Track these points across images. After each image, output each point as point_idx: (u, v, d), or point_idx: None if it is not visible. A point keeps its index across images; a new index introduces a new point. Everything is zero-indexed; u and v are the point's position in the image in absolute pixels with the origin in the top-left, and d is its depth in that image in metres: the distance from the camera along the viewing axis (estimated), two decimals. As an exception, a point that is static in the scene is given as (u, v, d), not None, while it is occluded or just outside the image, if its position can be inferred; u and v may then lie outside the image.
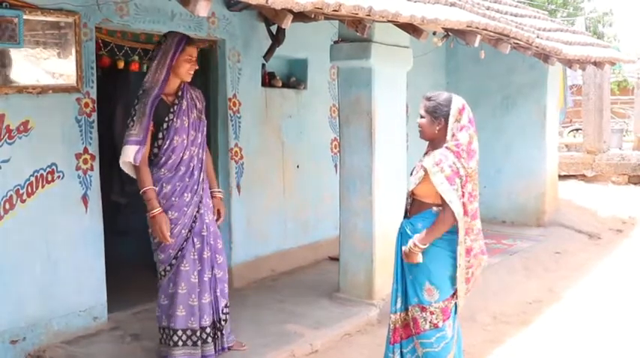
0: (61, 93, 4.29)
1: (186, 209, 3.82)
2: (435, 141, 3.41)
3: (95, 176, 4.53)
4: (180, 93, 3.87)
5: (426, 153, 3.46)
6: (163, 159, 3.79)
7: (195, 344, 3.86)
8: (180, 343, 3.83)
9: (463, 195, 3.28)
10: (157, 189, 3.77)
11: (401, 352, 3.53)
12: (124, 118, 6.11)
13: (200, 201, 3.89)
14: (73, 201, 4.39)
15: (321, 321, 4.75)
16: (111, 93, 6.08)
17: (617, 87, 20.34)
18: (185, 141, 3.82)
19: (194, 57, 3.88)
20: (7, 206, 4.02)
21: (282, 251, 6.24)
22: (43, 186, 4.21)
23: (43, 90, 4.17)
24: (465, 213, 3.29)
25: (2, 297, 4.02)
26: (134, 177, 3.83)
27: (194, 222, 3.86)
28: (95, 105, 4.51)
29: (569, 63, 7.64)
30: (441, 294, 3.38)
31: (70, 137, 4.36)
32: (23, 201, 4.10)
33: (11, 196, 4.04)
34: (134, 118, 3.72)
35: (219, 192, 4.14)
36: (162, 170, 3.79)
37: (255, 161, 5.88)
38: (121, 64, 4.97)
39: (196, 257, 3.87)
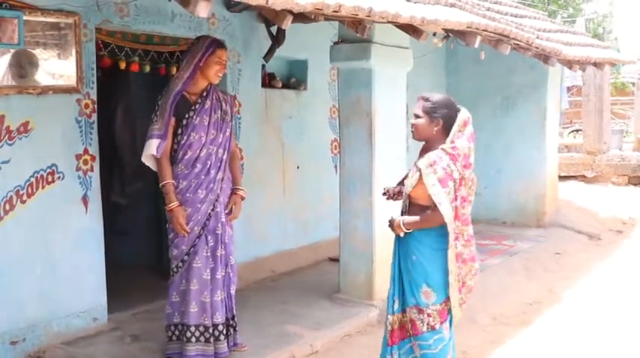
0: (62, 94, 4.29)
1: (199, 206, 3.86)
2: (430, 142, 3.39)
3: (95, 177, 4.53)
4: (204, 93, 3.94)
5: (420, 155, 3.46)
6: (180, 154, 3.87)
7: (207, 340, 3.90)
8: (193, 339, 3.88)
9: (456, 199, 3.25)
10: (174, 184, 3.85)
11: (398, 354, 3.52)
12: (124, 119, 6.14)
13: (216, 200, 3.93)
14: (73, 202, 4.39)
15: (321, 322, 4.75)
16: (111, 94, 6.08)
17: (615, 89, 20.34)
18: (203, 139, 3.89)
19: (223, 60, 3.96)
20: (7, 207, 4.02)
21: (282, 251, 6.24)
22: (43, 187, 4.21)
23: (43, 91, 4.17)
24: (457, 217, 3.26)
25: (2, 298, 4.01)
26: (156, 171, 3.91)
27: (208, 219, 3.90)
28: (95, 106, 4.51)
29: (569, 64, 7.64)
30: (438, 296, 3.37)
31: (70, 138, 4.36)
32: (23, 202, 4.10)
33: (11, 197, 4.04)
34: (157, 113, 3.86)
35: (241, 189, 4.15)
36: (180, 166, 3.87)
37: (255, 162, 5.88)
38: (122, 65, 4.97)
39: (209, 254, 3.91)
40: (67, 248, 4.35)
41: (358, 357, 4.38)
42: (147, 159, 3.89)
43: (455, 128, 3.32)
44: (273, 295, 5.42)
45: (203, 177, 3.89)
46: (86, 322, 4.47)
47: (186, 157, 3.86)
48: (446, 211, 3.22)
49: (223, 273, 3.98)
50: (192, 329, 3.88)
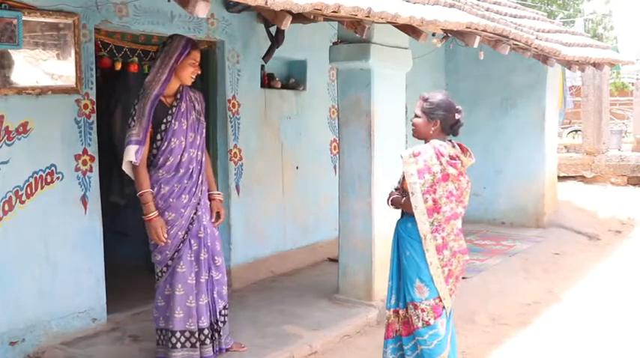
0: (61, 94, 4.29)
1: (183, 210, 3.81)
2: (428, 141, 3.47)
3: (94, 177, 4.53)
4: (179, 96, 3.86)
5: None
6: (161, 160, 3.79)
7: (193, 345, 3.86)
8: (178, 345, 3.84)
9: (435, 192, 3.31)
10: (155, 190, 3.78)
11: (402, 348, 3.56)
12: (123, 119, 6.13)
13: (198, 203, 3.88)
14: (72, 202, 4.39)
15: (321, 323, 4.75)
16: (110, 95, 6.08)
17: (615, 89, 20.35)
18: (183, 143, 3.82)
19: (197, 61, 3.88)
20: (7, 207, 4.02)
21: (282, 252, 6.24)
22: (42, 188, 4.20)
23: (42, 91, 4.17)
24: (437, 210, 3.33)
25: (1, 299, 4.01)
26: (133, 178, 3.82)
27: (191, 223, 3.85)
28: (94, 107, 4.51)
29: (568, 64, 7.64)
30: (431, 292, 3.42)
31: (70, 138, 4.36)
32: (22, 203, 4.10)
33: (10, 197, 4.04)
34: (134, 118, 3.74)
35: (218, 194, 4.13)
36: (161, 171, 3.79)
37: (254, 162, 5.88)
38: (120, 65, 4.96)
39: (193, 258, 3.87)
40: (66, 248, 4.35)
41: (357, 358, 4.38)
42: (126, 167, 3.77)
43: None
44: (273, 295, 5.42)
45: (186, 181, 3.82)
46: (85, 322, 4.47)
47: (167, 163, 3.78)
48: (416, 202, 3.32)
49: (207, 277, 3.93)
50: (178, 334, 3.83)
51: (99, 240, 4.57)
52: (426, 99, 3.47)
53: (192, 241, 3.87)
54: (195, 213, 3.86)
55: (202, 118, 3.99)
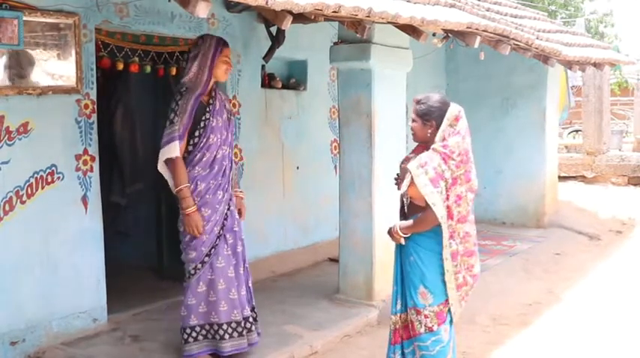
0: (61, 94, 4.29)
1: (218, 206, 3.89)
2: (427, 144, 3.40)
3: (95, 177, 4.53)
4: (213, 94, 3.98)
5: (412, 152, 3.49)
6: (198, 156, 3.85)
7: (240, 334, 3.94)
8: (227, 336, 3.90)
9: (448, 198, 3.27)
10: (191, 187, 3.82)
11: (403, 352, 3.54)
12: (123, 119, 6.15)
13: (230, 199, 3.99)
14: (72, 203, 4.39)
15: (321, 323, 4.75)
16: (111, 95, 6.08)
17: (618, 87, 20.33)
18: (219, 140, 3.92)
19: (230, 58, 4.02)
20: (7, 207, 4.02)
21: (282, 252, 6.24)
22: (42, 188, 4.21)
23: (43, 91, 4.17)
24: (450, 216, 3.28)
25: (2, 299, 4.01)
26: (167, 176, 3.84)
27: (225, 219, 3.94)
28: (95, 107, 4.51)
29: (568, 64, 7.64)
30: (435, 298, 3.38)
31: (70, 138, 4.36)
32: (23, 203, 4.10)
33: (11, 197, 4.04)
34: (177, 113, 3.78)
35: (240, 192, 4.23)
36: (197, 168, 3.86)
37: (254, 162, 5.88)
38: (121, 66, 4.97)
39: (230, 252, 3.95)
40: (66, 248, 4.35)
41: (358, 358, 4.38)
42: (165, 161, 3.78)
43: (445, 123, 3.33)
44: (273, 295, 5.42)
45: (220, 178, 3.92)
46: (86, 323, 4.47)
47: (204, 159, 3.86)
48: (439, 211, 3.25)
49: (243, 268, 4.04)
50: (225, 326, 3.90)
51: (99, 240, 4.57)
52: (419, 102, 3.41)
53: (228, 235, 3.95)
54: (228, 209, 3.96)
55: (232, 117, 4.11)
